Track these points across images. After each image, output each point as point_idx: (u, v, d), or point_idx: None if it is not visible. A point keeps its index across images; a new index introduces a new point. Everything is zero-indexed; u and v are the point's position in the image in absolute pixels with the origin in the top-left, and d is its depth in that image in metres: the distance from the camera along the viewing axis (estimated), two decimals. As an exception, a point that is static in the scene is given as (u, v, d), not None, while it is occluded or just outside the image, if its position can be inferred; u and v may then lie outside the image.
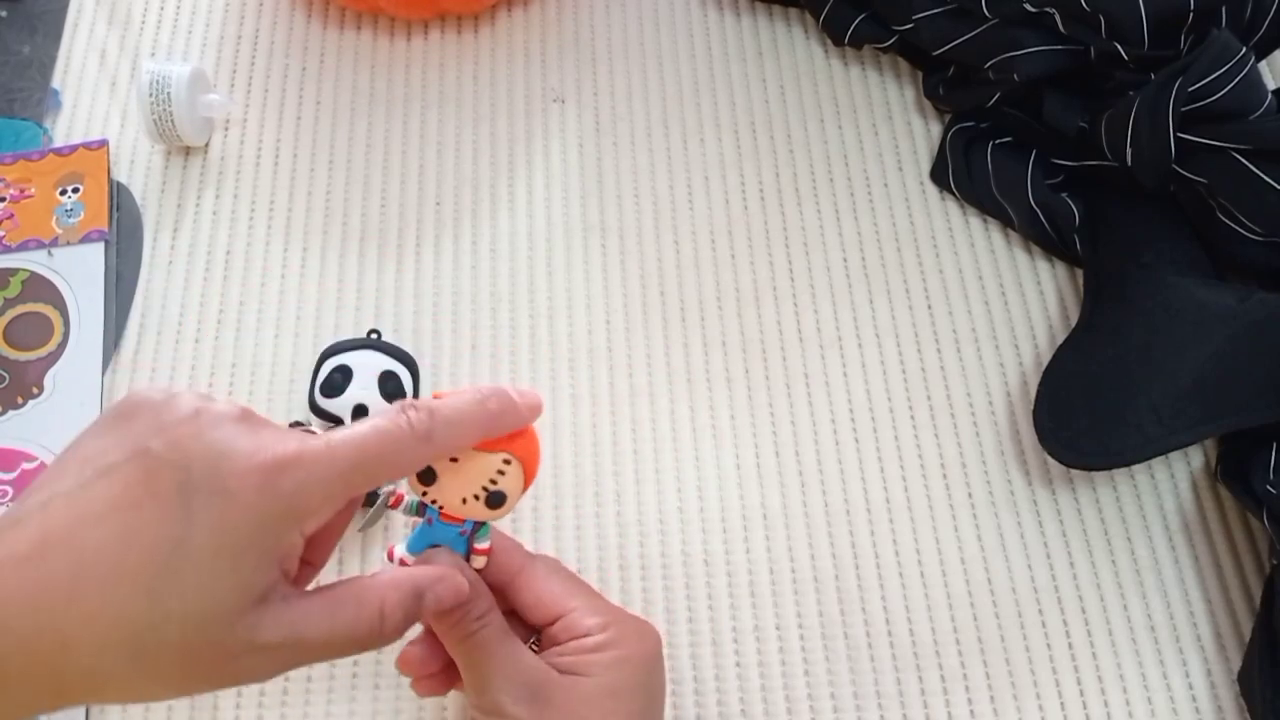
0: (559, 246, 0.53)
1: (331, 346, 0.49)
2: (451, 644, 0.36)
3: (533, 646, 0.38)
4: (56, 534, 0.27)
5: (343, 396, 0.47)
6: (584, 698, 0.36)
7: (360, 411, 0.46)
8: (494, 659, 0.35)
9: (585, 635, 0.37)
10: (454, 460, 0.35)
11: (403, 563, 0.37)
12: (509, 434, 0.36)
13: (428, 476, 0.36)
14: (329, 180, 0.55)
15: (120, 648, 0.27)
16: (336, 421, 0.46)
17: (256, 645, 0.29)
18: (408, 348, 0.49)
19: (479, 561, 0.37)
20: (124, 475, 0.28)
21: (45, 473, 0.29)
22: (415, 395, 0.48)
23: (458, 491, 0.36)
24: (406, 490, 0.37)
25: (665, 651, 0.44)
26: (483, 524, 0.37)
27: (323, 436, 0.30)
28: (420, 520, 0.37)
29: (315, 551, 0.34)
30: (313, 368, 0.48)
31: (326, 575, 0.46)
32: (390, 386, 0.47)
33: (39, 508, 0.28)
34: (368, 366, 0.48)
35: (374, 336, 0.50)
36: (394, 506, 0.38)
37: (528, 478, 0.37)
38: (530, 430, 0.36)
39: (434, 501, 0.36)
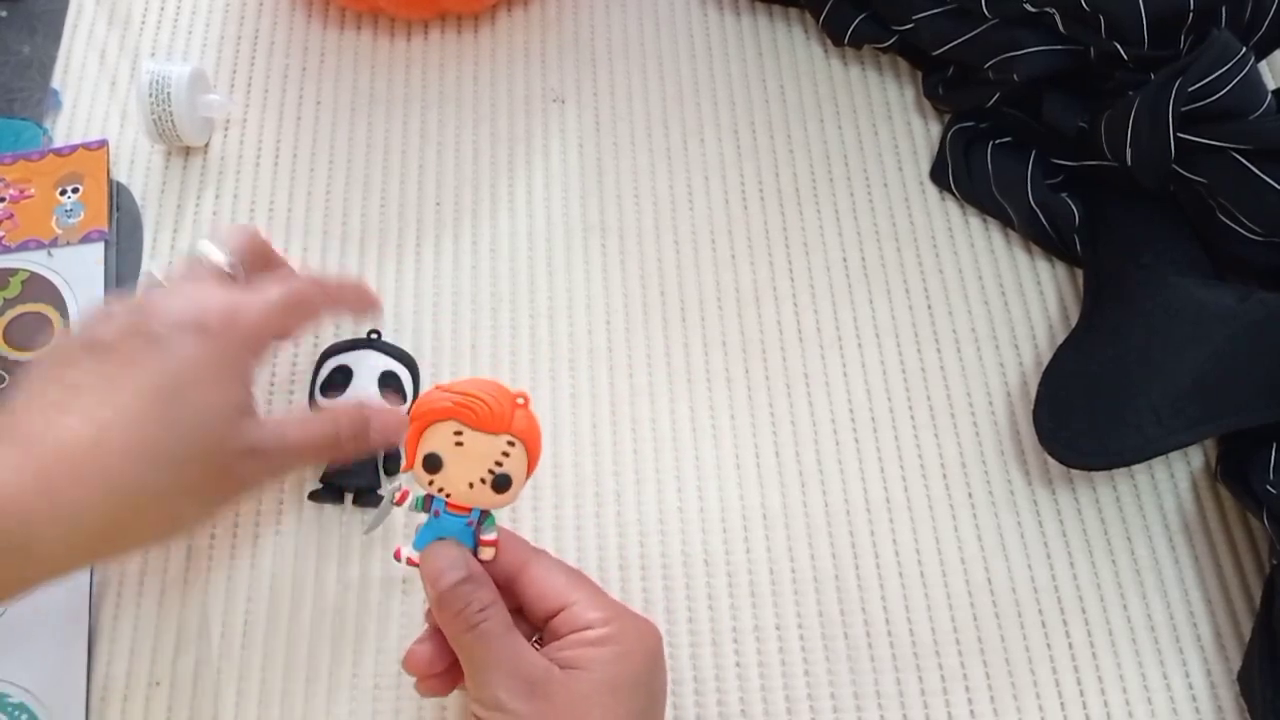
0: (559, 246, 0.53)
1: (331, 346, 0.49)
2: (453, 635, 0.36)
3: (535, 644, 0.37)
4: (68, 393, 0.35)
5: (343, 396, 0.47)
6: (583, 693, 0.35)
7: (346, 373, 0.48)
8: (493, 652, 0.36)
9: (586, 629, 0.37)
10: (459, 445, 0.37)
11: (410, 562, 0.37)
12: (510, 416, 0.37)
13: (433, 463, 0.37)
14: (329, 180, 0.55)
15: (156, 459, 0.34)
16: None
17: (252, 445, 0.37)
18: (408, 347, 0.49)
19: (486, 553, 0.37)
20: (119, 346, 0.36)
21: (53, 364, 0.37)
22: (415, 395, 0.48)
23: (464, 477, 0.37)
24: (411, 486, 0.38)
25: (666, 651, 0.44)
26: (488, 515, 0.38)
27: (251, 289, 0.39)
28: (427, 516, 0.37)
29: None
30: (312, 367, 0.48)
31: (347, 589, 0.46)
32: (391, 386, 0.47)
33: (70, 390, 0.35)
34: (368, 366, 0.48)
35: (374, 336, 0.50)
36: (399, 503, 0.38)
37: (531, 460, 0.37)
38: (531, 414, 0.38)
39: (441, 490, 0.37)
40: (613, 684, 0.36)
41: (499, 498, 0.37)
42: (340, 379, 0.47)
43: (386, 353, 0.49)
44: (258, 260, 0.42)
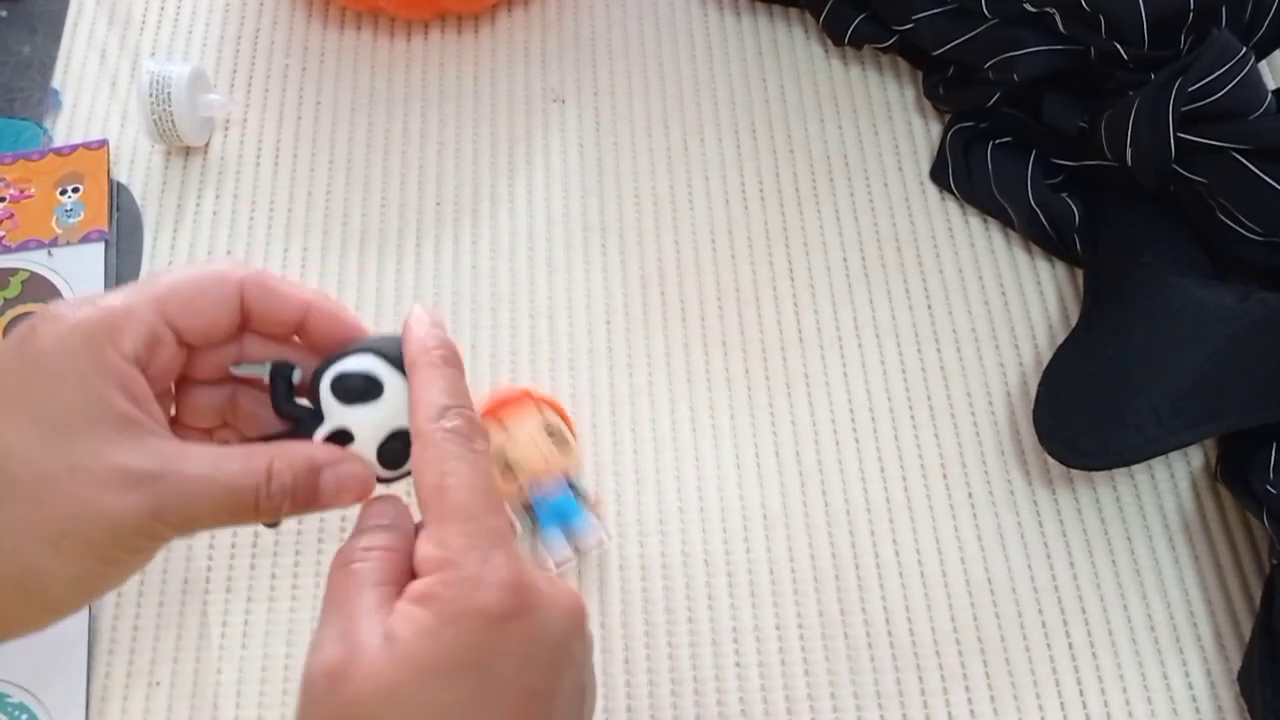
0: (559, 246, 0.53)
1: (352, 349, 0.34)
2: (332, 571, 0.29)
3: None
4: None
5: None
6: (375, 676, 0.26)
7: (342, 437, 0.32)
8: (343, 601, 0.28)
9: (420, 568, 0.28)
10: (512, 440, 0.41)
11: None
12: (511, 394, 0.42)
13: (507, 472, 0.40)
14: (329, 180, 0.55)
15: None
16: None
17: (121, 470, 0.27)
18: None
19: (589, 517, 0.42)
20: None
21: None
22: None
23: (533, 457, 0.40)
24: (510, 514, 0.37)
25: (665, 651, 0.44)
26: (574, 482, 0.42)
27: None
28: (538, 527, 0.41)
29: (196, 409, 0.32)
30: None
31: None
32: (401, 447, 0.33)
33: None
34: (370, 422, 0.32)
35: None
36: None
37: (555, 407, 0.42)
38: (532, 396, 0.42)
39: (529, 484, 0.40)
40: (422, 666, 0.26)
41: (565, 450, 0.41)
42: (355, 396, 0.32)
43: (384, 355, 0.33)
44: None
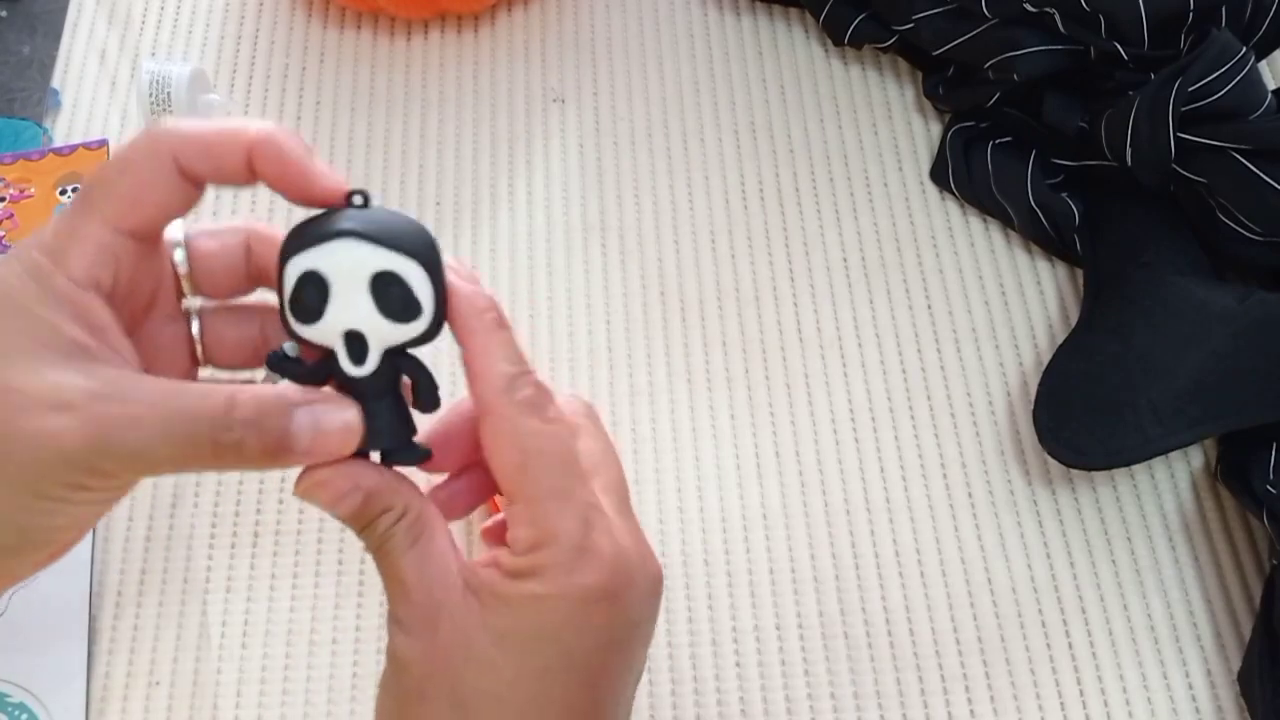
0: (559, 246, 0.53)
1: (291, 235, 0.28)
2: (370, 551, 0.29)
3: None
4: None
5: (320, 325, 0.28)
6: (466, 640, 0.27)
7: (355, 340, 0.28)
8: (393, 571, 0.28)
9: (513, 545, 0.28)
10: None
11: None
12: None
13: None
14: (329, 180, 0.55)
15: None
16: (327, 354, 0.28)
17: (58, 389, 0.24)
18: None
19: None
20: None
21: None
22: (440, 301, 0.28)
23: None
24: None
25: (666, 651, 0.44)
26: None
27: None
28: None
29: (158, 346, 0.29)
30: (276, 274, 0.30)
31: (326, 575, 0.46)
32: (392, 299, 0.27)
33: None
34: (349, 269, 0.27)
35: (358, 203, 0.28)
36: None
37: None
38: None
39: None
40: (510, 633, 0.27)
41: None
42: (314, 297, 0.27)
43: (376, 238, 0.27)
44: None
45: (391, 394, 0.28)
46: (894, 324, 0.52)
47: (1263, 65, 0.54)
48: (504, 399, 0.28)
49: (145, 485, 0.47)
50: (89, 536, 0.46)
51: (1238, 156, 0.45)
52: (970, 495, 0.48)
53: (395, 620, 0.28)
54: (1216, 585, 0.46)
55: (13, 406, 0.24)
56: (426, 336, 0.28)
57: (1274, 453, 0.44)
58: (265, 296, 0.31)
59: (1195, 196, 0.48)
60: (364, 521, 0.28)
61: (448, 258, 0.28)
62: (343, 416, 0.27)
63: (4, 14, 0.60)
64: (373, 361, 0.27)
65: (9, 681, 0.43)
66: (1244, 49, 0.46)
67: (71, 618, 0.44)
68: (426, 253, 0.27)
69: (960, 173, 0.54)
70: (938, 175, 0.55)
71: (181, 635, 0.44)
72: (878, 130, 0.57)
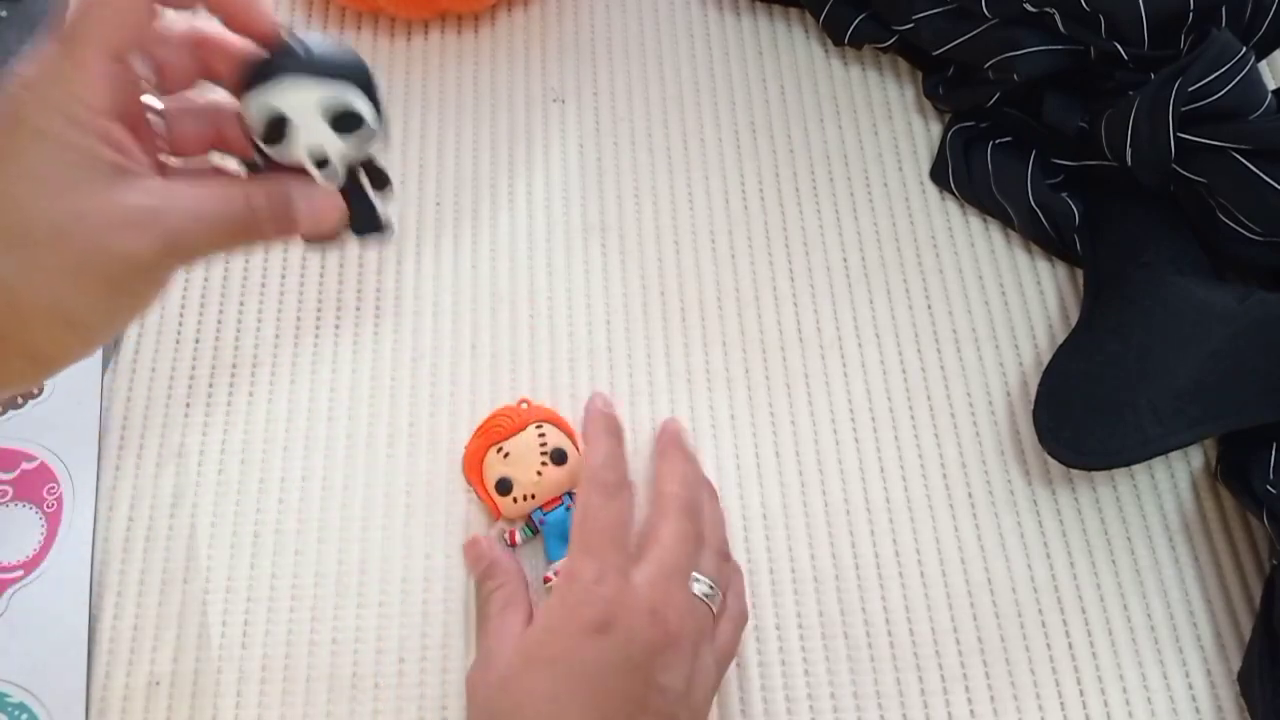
0: (559, 246, 0.53)
1: (247, 72, 0.32)
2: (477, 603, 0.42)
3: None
4: None
5: (291, 146, 0.33)
6: (502, 664, 0.38)
7: (321, 159, 0.33)
8: (483, 624, 0.40)
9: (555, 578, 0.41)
10: (507, 457, 0.44)
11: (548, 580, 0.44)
12: (523, 413, 0.46)
13: (505, 486, 0.44)
14: (329, 180, 0.55)
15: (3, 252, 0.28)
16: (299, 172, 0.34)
17: (121, 213, 0.29)
18: (407, 347, 0.49)
19: None
20: None
21: None
22: (381, 117, 0.33)
23: (528, 473, 0.44)
24: (514, 527, 0.45)
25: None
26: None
27: None
28: (543, 536, 0.44)
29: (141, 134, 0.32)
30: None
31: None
32: (347, 128, 0.33)
33: None
34: (306, 106, 0.32)
35: (296, 48, 0.32)
36: (514, 545, 0.45)
37: (564, 428, 0.45)
38: (536, 405, 0.47)
39: (526, 498, 0.44)
40: (524, 654, 0.37)
41: (563, 469, 0.44)
42: (279, 130, 0.32)
43: (323, 72, 0.32)
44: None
45: (356, 189, 0.34)
46: (894, 324, 0.52)
47: (1263, 65, 0.54)
48: (587, 480, 0.39)
49: (145, 487, 0.47)
50: (89, 537, 0.46)
51: (1238, 156, 0.45)
52: (970, 495, 0.48)
53: (479, 649, 0.40)
54: (1216, 585, 0.46)
55: (94, 230, 0.29)
56: (372, 138, 0.33)
57: (1274, 453, 0.44)
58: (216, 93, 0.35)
59: (1195, 196, 0.48)
60: (480, 582, 0.43)
61: (598, 394, 0.47)
62: (325, 195, 0.33)
63: (4, 14, 0.60)
64: (338, 170, 0.33)
65: (9, 681, 0.43)
66: (1244, 49, 0.46)
67: (71, 618, 0.44)
68: (360, 74, 0.33)
69: (960, 173, 0.54)
70: (938, 175, 0.55)
71: (181, 635, 0.44)
72: (878, 130, 0.57)
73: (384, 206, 0.35)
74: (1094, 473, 0.48)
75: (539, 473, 0.44)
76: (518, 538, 0.44)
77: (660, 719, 0.36)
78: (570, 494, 0.44)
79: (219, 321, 0.51)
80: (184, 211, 0.30)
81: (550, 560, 0.44)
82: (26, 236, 0.29)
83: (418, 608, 0.45)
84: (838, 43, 0.58)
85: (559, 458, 0.44)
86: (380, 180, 0.35)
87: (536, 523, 0.44)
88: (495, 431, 0.45)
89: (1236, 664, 0.44)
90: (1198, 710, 0.44)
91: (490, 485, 0.44)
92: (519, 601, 0.41)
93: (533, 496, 0.44)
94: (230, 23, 0.32)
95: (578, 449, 0.45)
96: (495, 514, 0.45)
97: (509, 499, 0.44)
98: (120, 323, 0.33)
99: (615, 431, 0.43)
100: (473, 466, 0.45)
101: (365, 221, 0.35)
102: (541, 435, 0.44)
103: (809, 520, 0.47)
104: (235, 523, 0.47)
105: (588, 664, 0.36)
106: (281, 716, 0.43)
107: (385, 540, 0.46)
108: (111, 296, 0.30)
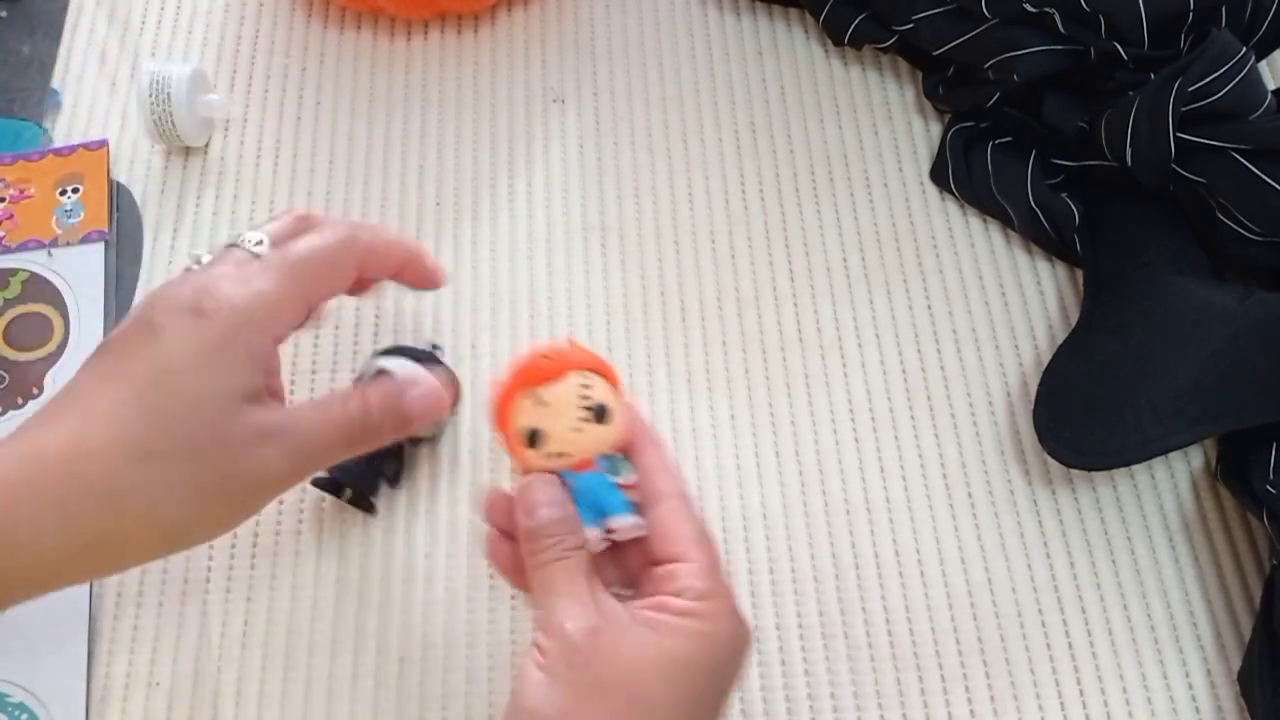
0: (559, 246, 0.53)
1: (378, 351, 0.46)
2: (535, 565, 0.34)
3: (619, 593, 0.35)
4: (66, 398, 0.32)
5: None
6: (648, 653, 0.32)
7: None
8: (572, 584, 0.34)
9: (682, 594, 0.34)
10: (544, 407, 0.36)
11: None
12: (569, 355, 0.37)
13: (535, 438, 0.36)
14: (329, 180, 0.55)
15: (137, 455, 0.31)
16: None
17: (258, 431, 0.32)
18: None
19: (632, 495, 0.36)
20: (117, 339, 0.33)
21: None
22: (453, 413, 0.48)
23: (564, 428, 0.36)
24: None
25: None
26: (617, 459, 0.36)
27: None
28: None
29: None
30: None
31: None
32: None
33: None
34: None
35: (436, 349, 0.47)
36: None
37: (611, 379, 0.37)
38: (582, 346, 0.38)
39: (557, 456, 0.36)
40: (681, 660, 0.33)
41: (606, 429, 0.36)
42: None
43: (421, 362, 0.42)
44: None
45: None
46: (894, 324, 0.52)
47: (1263, 65, 0.54)
48: (675, 493, 0.36)
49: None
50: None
51: (1238, 156, 0.45)
52: (970, 495, 0.48)
53: (567, 617, 0.33)
54: (1216, 585, 0.46)
55: (235, 446, 0.32)
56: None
57: (1274, 453, 0.44)
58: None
59: (1195, 196, 0.48)
60: (548, 540, 0.34)
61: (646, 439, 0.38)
62: (431, 394, 0.37)
63: (4, 14, 0.60)
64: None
65: (9, 681, 0.43)
66: (1244, 49, 0.46)
67: (71, 618, 0.44)
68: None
69: (960, 173, 0.54)
70: (938, 175, 0.55)
71: (181, 635, 0.44)
72: (878, 130, 0.57)
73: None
74: (1094, 473, 0.48)
75: (577, 429, 0.36)
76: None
77: None
78: (607, 457, 0.36)
79: (219, 321, 0.51)
80: (311, 422, 0.34)
81: (613, 519, 0.36)
82: (169, 451, 0.31)
83: (418, 606, 0.45)
84: (838, 43, 0.58)
85: (601, 414, 0.36)
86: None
87: (570, 485, 0.36)
88: (533, 373, 0.37)
89: (1236, 664, 0.44)
90: (1198, 710, 0.44)
91: (519, 434, 0.36)
92: (582, 564, 0.35)
93: (564, 455, 0.36)
94: (415, 285, 0.40)
95: (618, 396, 0.37)
96: (522, 468, 0.37)
97: (538, 453, 0.36)
98: (214, 536, 0.34)
99: (659, 445, 0.38)
100: (503, 410, 0.37)
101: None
102: (585, 387, 0.36)
103: (809, 520, 0.47)
104: (235, 523, 0.47)
105: (730, 677, 0.34)
106: (281, 716, 0.43)
107: (386, 538, 0.46)
108: (227, 513, 0.33)
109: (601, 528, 0.35)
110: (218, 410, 0.32)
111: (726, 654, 0.34)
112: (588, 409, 0.36)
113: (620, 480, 0.36)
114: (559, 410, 0.36)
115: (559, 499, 0.35)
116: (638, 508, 0.36)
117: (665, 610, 0.33)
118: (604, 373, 0.37)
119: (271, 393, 0.34)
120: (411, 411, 0.37)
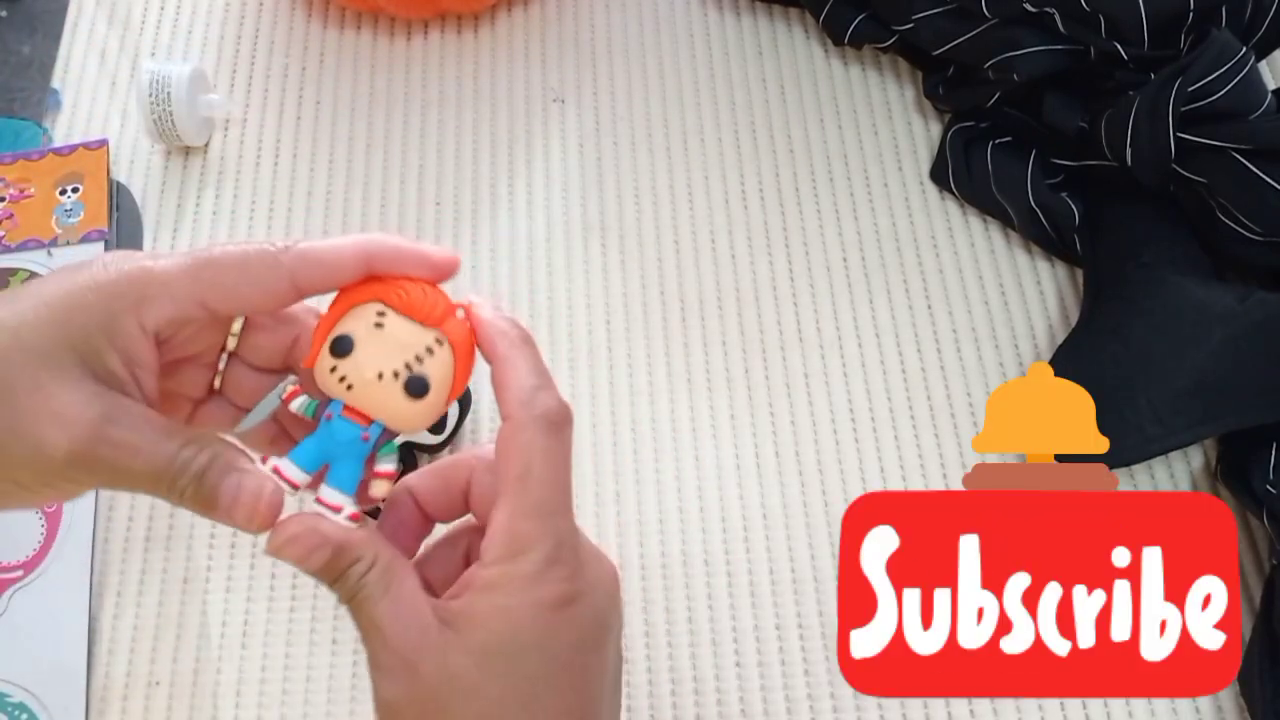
0: (559, 246, 0.53)
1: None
2: (339, 601, 0.30)
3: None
4: None
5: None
6: (453, 668, 0.28)
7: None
8: (371, 620, 0.29)
9: (482, 561, 0.29)
10: (379, 327, 0.30)
11: (288, 481, 0.30)
12: (445, 314, 0.30)
13: (342, 347, 0.29)
14: (329, 180, 0.55)
15: None
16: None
17: (70, 407, 0.27)
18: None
19: (379, 488, 0.30)
20: None
21: None
22: (460, 425, 0.48)
23: (375, 364, 0.29)
24: (299, 389, 0.31)
25: (666, 651, 0.44)
26: (389, 440, 0.30)
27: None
28: (320, 437, 0.30)
29: (182, 379, 0.31)
30: None
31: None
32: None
33: None
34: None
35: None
36: (288, 401, 0.31)
37: (459, 374, 0.31)
38: (467, 326, 0.31)
39: (343, 381, 0.29)
40: (488, 649, 0.28)
41: (407, 405, 0.29)
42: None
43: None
44: None
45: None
46: (894, 324, 0.52)
47: (1263, 65, 0.54)
48: (523, 411, 0.30)
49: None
50: (90, 537, 0.46)
51: (1238, 156, 0.45)
52: (970, 495, 0.48)
53: (378, 667, 0.29)
54: (1216, 585, 0.46)
55: (26, 411, 0.27)
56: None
57: (1274, 453, 0.44)
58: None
59: (1195, 196, 0.48)
60: (335, 574, 0.29)
61: (473, 295, 0.31)
62: (261, 487, 0.29)
63: (4, 14, 0.60)
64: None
65: (9, 681, 0.43)
66: (1244, 49, 0.46)
67: (71, 618, 0.44)
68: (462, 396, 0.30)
69: (960, 173, 0.54)
70: (938, 175, 0.55)
71: (181, 635, 0.44)
72: (878, 130, 0.57)
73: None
74: (1094, 473, 0.48)
75: (381, 375, 0.29)
76: (297, 401, 0.30)
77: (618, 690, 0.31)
78: (381, 426, 0.30)
79: (219, 321, 0.51)
80: (122, 436, 0.28)
81: (296, 461, 0.30)
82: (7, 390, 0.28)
83: (418, 608, 0.45)
84: (838, 43, 0.58)
85: (415, 387, 0.29)
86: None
87: (326, 415, 0.30)
88: (398, 291, 0.30)
89: (1236, 664, 0.44)
90: (1198, 710, 0.44)
91: (329, 336, 0.30)
92: (402, 573, 0.29)
93: (353, 389, 0.29)
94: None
95: (450, 396, 0.31)
96: (308, 361, 0.30)
97: (333, 366, 0.29)
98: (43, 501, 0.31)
99: (532, 341, 0.32)
100: (336, 303, 0.30)
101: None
102: (429, 350, 0.30)
103: (809, 520, 0.47)
104: (235, 523, 0.47)
105: (560, 645, 0.29)
106: (281, 716, 0.43)
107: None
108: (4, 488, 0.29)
109: (307, 480, 0.30)
110: (54, 365, 0.28)
111: (541, 624, 0.28)
112: (409, 371, 0.30)
113: (378, 466, 0.30)
114: (385, 347, 0.30)
115: (316, 538, 0.29)
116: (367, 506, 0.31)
117: (469, 590, 0.29)
118: (460, 354, 0.31)
119: (144, 390, 0.29)
120: (220, 499, 0.29)
